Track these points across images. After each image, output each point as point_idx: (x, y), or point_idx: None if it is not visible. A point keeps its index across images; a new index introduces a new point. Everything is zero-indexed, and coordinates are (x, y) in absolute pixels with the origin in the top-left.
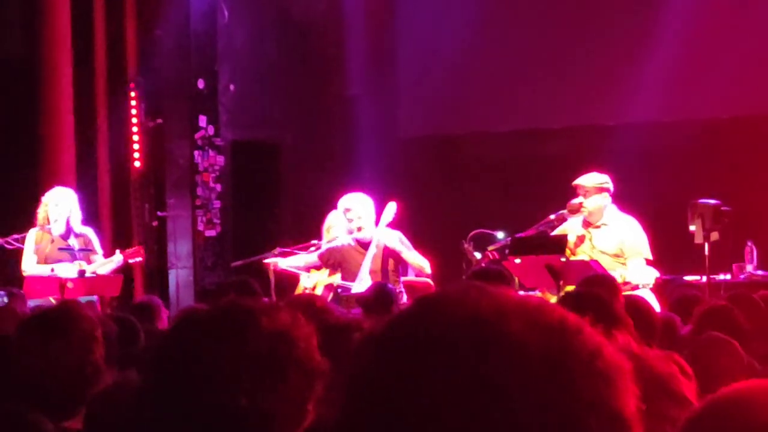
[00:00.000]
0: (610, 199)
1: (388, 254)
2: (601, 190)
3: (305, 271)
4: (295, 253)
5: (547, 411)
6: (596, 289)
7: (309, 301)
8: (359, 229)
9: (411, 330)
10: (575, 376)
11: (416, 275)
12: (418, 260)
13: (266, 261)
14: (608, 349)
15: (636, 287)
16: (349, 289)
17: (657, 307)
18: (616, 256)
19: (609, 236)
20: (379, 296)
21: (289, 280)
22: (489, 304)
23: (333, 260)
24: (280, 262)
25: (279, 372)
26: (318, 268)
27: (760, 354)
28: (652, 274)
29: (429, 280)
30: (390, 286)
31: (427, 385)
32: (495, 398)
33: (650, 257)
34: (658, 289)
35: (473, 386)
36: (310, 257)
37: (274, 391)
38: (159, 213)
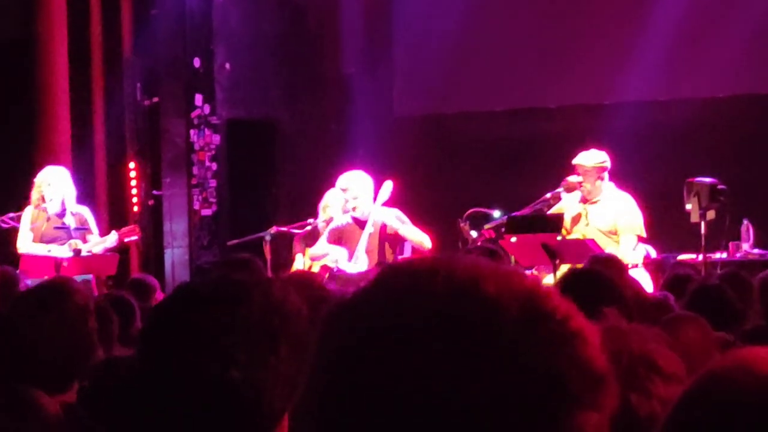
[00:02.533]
0: (607, 176)
1: (385, 233)
2: (602, 169)
3: (302, 252)
4: (291, 233)
5: (527, 372)
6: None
7: (306, 278)
8: (354, 209)
9: (384, 296)
10: (553, 336)
11: (413, 252)
12: (417, 235)
13: (329, 265)
14: (579, 315)
15: (626, 266)
16: (344, 270)
17: (649, 285)
18: (611, 233)
19: (604, 213)
20: None
21: (286, 260)
22: (462, 269)
23: (335, 240)
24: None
25: (271, 346)
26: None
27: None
28: (641, 253)
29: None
30: (384, 263)
31: (402, 352)
32: (473, 362)
33: (644, 235)
34: (653, 267)
35: (450, 351)
36: (324, 246)
37: (265, 364)
38: (155, 192)
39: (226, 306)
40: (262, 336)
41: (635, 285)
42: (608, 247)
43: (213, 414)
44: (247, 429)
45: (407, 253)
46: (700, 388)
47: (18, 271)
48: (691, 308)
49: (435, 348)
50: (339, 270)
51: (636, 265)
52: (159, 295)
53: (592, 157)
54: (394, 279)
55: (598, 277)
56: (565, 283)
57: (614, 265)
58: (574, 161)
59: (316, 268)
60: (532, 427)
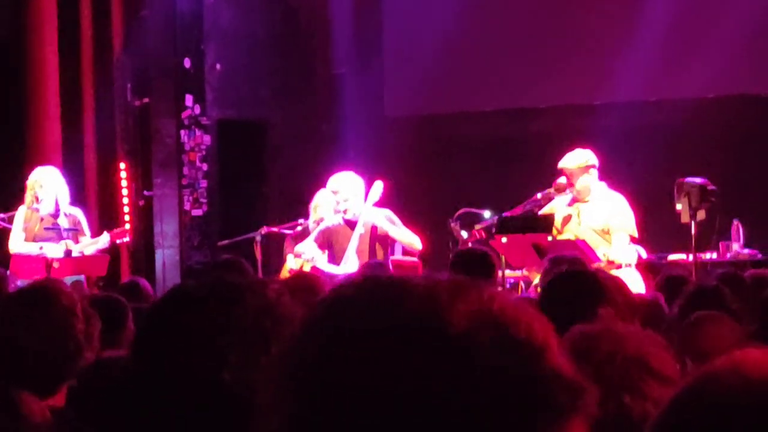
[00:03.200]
0: (596, 174)
1: (376, 234)
2: (587, 168)
3: (293, 253)
4: (281, 233)
5: (502, 381)
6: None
7: (310, 282)
8: (345, 211)
9: (358, 303)
10: (521, 351)
11: (404, 253)
12: (407, 237)
13: (308, 259)
14: (539, 322)
15: (619, 266)
16: (333, 272)
17: (642, 286)
18: (603, 232)
19: (596, 212)
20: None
21: (276, 260)
22: (421, 284)
23: (324, 241)
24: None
25: (264, 347)
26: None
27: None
28: (634, 253)
29: (416, 260)
30: (381, 264)
31: (369, 359)
32: (442, 375)
33: (635, 235)
34: (644, 268)
35: (421, 360)
36: (312, 246)
37: (258, 366)
38: (145, 192)
39: (219, 307)
40: (255, 338)
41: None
42: (601, 246)
43: (205, 415)
44: (239, 430)
45: (398, 253)
46: (692, 390)
47: (8, 272)
48: (688, 310)
49: (406, 357)
50: (328, 272)
51: (629, 265)
52: (150, 295)
53: (576, 158)
54: (370, 288)
55: (587, 279)
56: (552, 286)
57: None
58: (559, 165)
59: (307, 269)
60: None
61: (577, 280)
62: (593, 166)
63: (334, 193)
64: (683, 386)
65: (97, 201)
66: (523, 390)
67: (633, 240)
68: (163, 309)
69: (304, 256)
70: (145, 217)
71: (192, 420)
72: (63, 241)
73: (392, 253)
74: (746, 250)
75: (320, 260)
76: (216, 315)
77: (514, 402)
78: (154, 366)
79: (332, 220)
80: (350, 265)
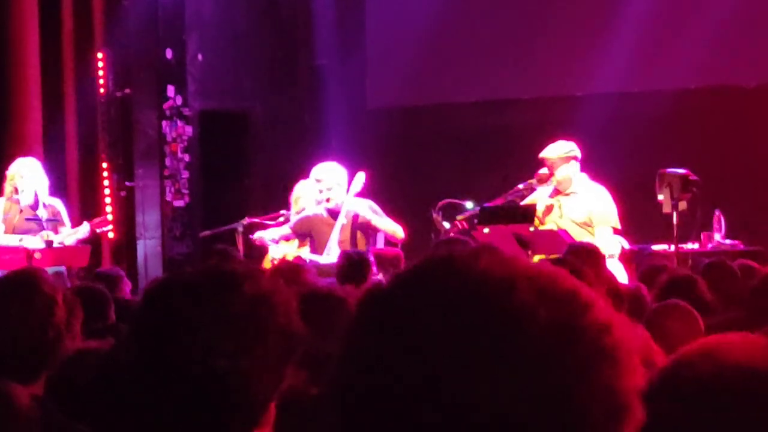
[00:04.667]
0: (578, 167)
1: (358, 224)
2: (568, 159)
3: (275, 243)
4: (264, 224)
5: (545, 385)
6: (575, 259)
7: (294, 269)
8: (328, 200)
9: (418, 290)
10: (580, 352)
11: (386, 243)
12: (390, 226)
13: (253, 237)
14: (618, 326)
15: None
16: (317, 262)
17: (624, 277)
18: (585, 224)
19: (578, 205)
20: (352, 264)
21: (258, 250)
22: (500, 269)
23: (304, 230)
24: (266, 236)
25: (258, 335)
26: (288, 239)
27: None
28: (618, 244)
29: (398, 250)
30: (361, 252)
31: (428, 348)
32: (495, 368)
33: (618, 226)
34: (626, 259)
35: (475, 354)
36: (282, 230)
37: (252, 353)
38: (127, 183)
39: (215, 295)
40: (249, 326)
41: (611, 276)
42: (583, 238)
43: (199, 402)
44: (232, 417)
45: (380, 244)
46: (666, 376)
47: None
48: (662, 299)
49: (460, 351)
50: (312, 261)
51: (612, 256)
52: (125, 286)
53: (558, 149)
54: (430, 274)
55: (568, 268)
56: None
57: (592, 254)
58: (541, 155)
59: (289, 259)
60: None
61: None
62: (575, 158)
63: (318, 181)
64: (657, 373)
65: (78, 192)
66: (578, 341)
67: (616, 231)
68: (156, 297)
69: (272, 251)
70: (126, 208)
71: (185, 406)
72: (43, 232)
73: (374, 244)
74: (728, 241)
75: (290, 255)
76: (211, 302)
77: (571, 353)
78: (148, 353)
79: (314, 210)
80: (333, 255)
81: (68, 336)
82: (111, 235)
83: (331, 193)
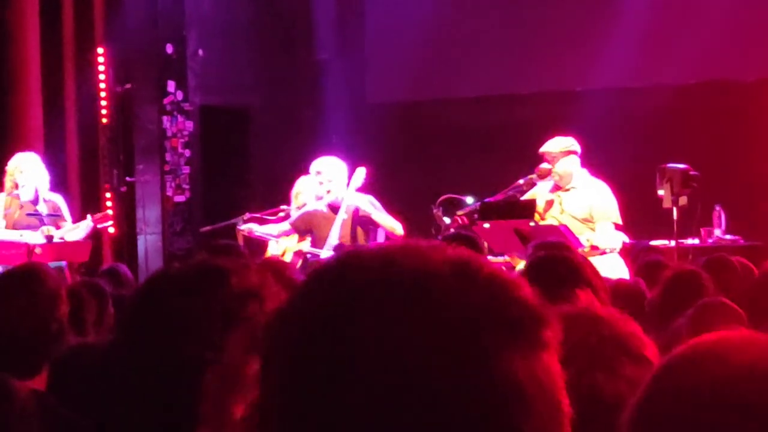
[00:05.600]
0: (578, 162)
1: (358, 219)
2: (568, 153)
3: (275, 237)
4: (264, 219)
5: (462, 316)
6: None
7: (278, 265)
8: (328, 192)
9: (331, 290)
10: (483, 282)
11: (386, 239)
12: (389, 222)
13: (240, 228)
14: (538, 306)
15: (603, 252)
16: (318, 256)
17: (625, 271)
18: (586, 220)
19: (578, 200)
20: None
21: (258, 246)
22: (416, 255)
23: (304, 226)
24: (255, 229)
25: (248, 330)
26: (288, 234)
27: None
28: (620, 239)
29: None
30: (357, 246)
31: (349, 324)
32: (409, 319)
33: (619, 222)
34: (625, 253)
35: (387, 314)
36: (282, 226)
37: (242, 348)
38: (127, 178)
39: (203, 290)
40: (239, 320)
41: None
42: (584, 233)
43: (190, 395)
44: None
45: (380, 239)
46: (666, 373)
47: None
48: (668, 295)
49: (373, 314)
50: (313, 256)
51: (613, 250)
52: (128, 282)
53: (558, 143)
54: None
55: (562, 260)
56: (531, 269)
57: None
58: (541, 150)
59: (289, 255)
60: (475, 369)
61: (555, 263)
62: (575, 153)
63: (318, 174)
64: (657, 370)
65: (78, 187)
66: (491, 318)
67: (617, 227)
68: (147, 292)
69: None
70: (127, 203)
71: (175, 401)
72: (44, 227)
73: (375, 239)
74: (728, 236)
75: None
76: (200, 297)
77: (479, 331)
78: (138, 348)
79: (314, 206)
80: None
81: (78, 330)
82: (111, 230)
83: (331, 186)
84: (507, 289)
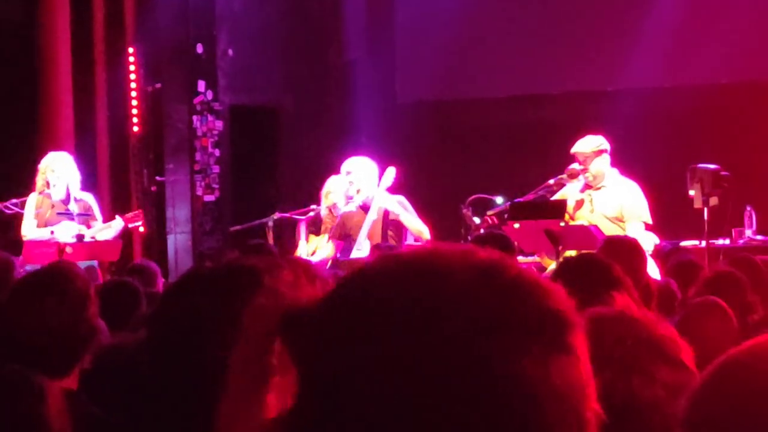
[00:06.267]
0: (609, 160)
1: (388, 219)
2: (600, 152)
3: (305, 238)
4: (293, 218)
5: (483, 318)
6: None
7: (307, 264)
8: (358, 191)
9: (346, 295)
10: (507, 285)
11: (416, 240)
12: (417, 225)
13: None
14: (571, 314)
15: None
16: (347, 255)
17: (656, 273)
18: (617, 219)
19: (610, 199)
20: None
21: (289, 245)
22: (440, 257)
23: (342, 232)
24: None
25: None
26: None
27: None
28: (652, 240)
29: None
30: (392, 246)
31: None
32: (432, 326)
33: (650, 222)
34: (656, 254)
35: (420, 331)
36: (327, 247)
37: (272, 350)
38: (158, 178)
39: (233, 290)
40: (270, 321)
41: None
42: (614, 233)
43: (216, 398)
44: None
45: (410, 240)
46: (717, 377)
47: (17, 258)
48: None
49: (398, 320)
50: (343, 256)
51: (646, 251)
52: (161, 281)
53: (589, 143)
54: (376, 266)
55: (595, 262)
56: (562, 269)
57: (630, 248)
58: (572, 150)
59: (319, 255)
60: (503, 373)
61: (589, 263)
62: (605, 151)
63: (348, 174)
64: (708, 374)
65: (109, 186)
66: (506, 322)
67: (647, 227)
68: (177, 291)
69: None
70: (157, 203)
71: (205, 402)
72: (74, 226)
73: (405, 239)
74: (759, 237)
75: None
76: (230, 298)
77: (503, 334)
78: (166, 349)
79: (346, 208)
80: (363, 250)
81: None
82: (141, 229)
83: (360, 185)
84: (530, 292)
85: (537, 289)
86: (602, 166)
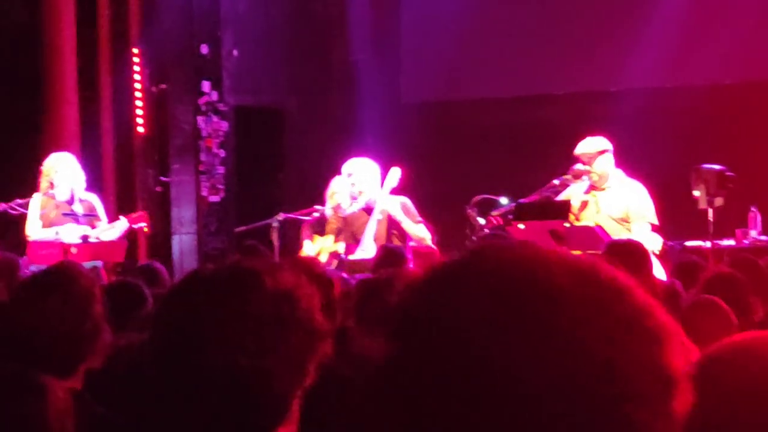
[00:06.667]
0: (613, 160)
1: (393, 220)
2: (603, 152)
3: (310, 239)
4: (298, 219)
5: (592, 365)
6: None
7: (310, 264)
8: (360, 193)
9: (460, 275)
10: (624, 332)
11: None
12: (418, 231)
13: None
14: (658, 309)
15: None
16: (352, 256)
17: (662, 272)
18: (622, 220)
19: (615, 200)
20: (389, 256)
21: (294, 245)
22: (537, 256)
23: (349, 231)
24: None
25: (281, 332)
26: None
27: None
28: (658, 241)
29: (434, 246)
30: (399, 246)
31: (474, 330)
32: (537, 349)
33: (656, 222)
34: (661, 254)
35: (518, 333)
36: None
37: (275, 351)
38: (162, 178)
39: (236, 294)
40: (271, 323)
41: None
42: (620, 234)
43: (221, 401)
44: (256, 415)
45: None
46: (701, 372)
47: (21, 258)
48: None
49: (502, 332)
50: (346, 256)
51: (653, 252)
52: (168, 281)
53: (592, 144)
54: (471, 261)
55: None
56: None
57: (634, 250)
58: (576, 152)
59: (324, 255)
60: (590, 417)
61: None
62: (608, 151)
63: (349, 176)
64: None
65: (114, 187)
66: (618, 320)
67: (653, 228)
68: (179, 294)
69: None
70: (162, 203)
71: (207, 405)
72: (79, 227)
73: (410, 240)
74: (764, 237)
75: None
76: (232, 300)
77: (612, 330)
78: (169, 351)
79: (350, 209)
80: (368, 251)
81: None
82: (146, 230)
83: (362, 187)
84: (631, 299)
85: (661, 340)
86: (606, 166)
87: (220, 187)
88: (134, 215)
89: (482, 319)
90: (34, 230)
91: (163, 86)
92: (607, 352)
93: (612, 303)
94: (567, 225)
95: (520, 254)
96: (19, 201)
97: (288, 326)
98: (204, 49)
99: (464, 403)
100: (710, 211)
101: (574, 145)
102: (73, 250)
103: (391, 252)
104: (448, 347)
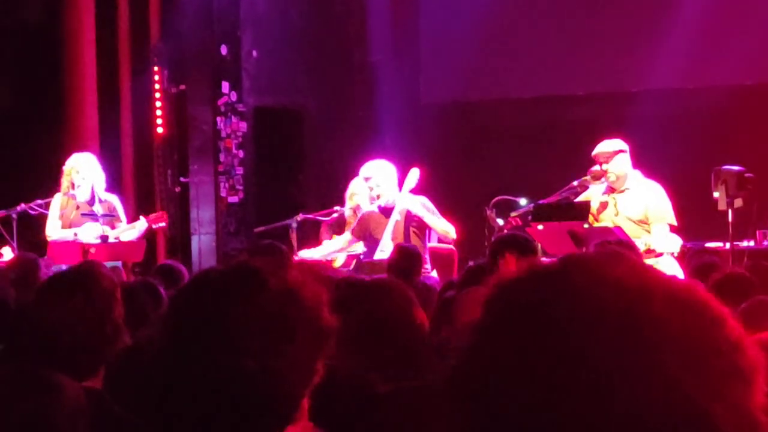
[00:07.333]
0: (630, 162)
1: (411, 221)
2: (619, 152)
3: (340, 252)
4: (317, 220)
5: (676, 395)
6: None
7: (315, 265)
8: (378, 196)
9: (554, 285)
10: (713, 367)
11: (439, 241)
12: (442, 225)
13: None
14: (749, 343)
15: (660, 254)
16: (371, 257)
17: (681, 274)
18: (641, 222)
19: (634, 201)
20: (405, 257)
21: (313, 246)
22: (634, 276)
23: (362, 232)
24: (317, 254)
25: (287, 332)
26: (353, 243)
27: None
28: (677, 242)
29: (452, 247)
30: (414, 246)
31: (564, 350)
32: (626, 373)
33: (675, 223)
34: (680, 255)
35: (606, 356)
36: (342, 240)
37: (281, 351)
38: (182, 179)
39: (242, 294)
40: (278, 323)
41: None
42: (639, 235)
43: (229, 402)
44: (264, 416)
45: (434, 241)
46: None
47: (42, 258)
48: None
49: (592, 352)
50: (366, 258)
51: (672, 254)
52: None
53: (610, 145)
54: (566, 271)
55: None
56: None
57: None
58: (594, 153)
59: (342, 257)
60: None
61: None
62: (624, 151)
63: (366, 179)
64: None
65: (133, 187)
66: (712, 356)
67: (672, 229)
68: (185, 296)
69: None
70: (181, 204)
71: (215, 406)
72: (98, 227)
73: (429, 240)
74: None
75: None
76: (237, 302)
77: (705, 368)
78: (177, 352)
79: (368, 209)
80: (387, 252)
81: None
82: (164, 227)
83: (380, 190)
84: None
85: (748, 378)
86: (623, 166)
87: (239, 187)
88: (153, 215)
89: (575, 344)
90: (54, 230)
91: (183, 87)
92: (699, 394)
93: (707, 338)
94: (586, 226)
95: (619, 273)
96: (39, 201)
97: (294, 326)
98: (223, 49)
99: (553, 390)
100: (730, 212)
101: (593, 146)
102: (92, 250)
103: (407, 251)
104: (534, 364)
